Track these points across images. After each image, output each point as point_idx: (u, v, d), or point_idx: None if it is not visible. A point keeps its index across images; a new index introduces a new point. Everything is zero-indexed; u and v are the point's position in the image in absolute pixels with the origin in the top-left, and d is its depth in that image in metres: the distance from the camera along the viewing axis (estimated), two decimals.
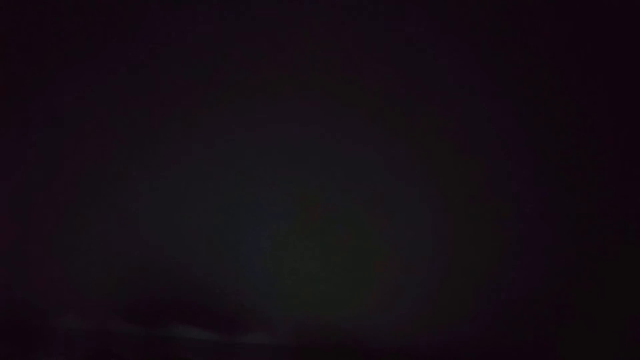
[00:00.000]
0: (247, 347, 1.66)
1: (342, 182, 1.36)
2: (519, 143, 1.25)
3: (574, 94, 1.17)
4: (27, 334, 1.69)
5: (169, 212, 1.46)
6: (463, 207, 1.36)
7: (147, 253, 1.55)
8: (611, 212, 1.33)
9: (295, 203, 1.41)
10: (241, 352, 1.66)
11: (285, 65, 1.20)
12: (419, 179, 1.32)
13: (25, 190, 1.46)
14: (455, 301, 1.54)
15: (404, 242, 1.44)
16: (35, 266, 1.62)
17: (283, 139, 1.30)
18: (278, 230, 1.47)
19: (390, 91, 1.21)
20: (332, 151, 1.31)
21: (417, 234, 1.42)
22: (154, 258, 1.56)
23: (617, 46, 1.10)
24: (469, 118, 1.22)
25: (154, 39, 1.20)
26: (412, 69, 1.18)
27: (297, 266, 1.53)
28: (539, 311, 1.53)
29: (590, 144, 1.23)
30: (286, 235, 1.47)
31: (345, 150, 1.30)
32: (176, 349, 1.67)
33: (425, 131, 1.25)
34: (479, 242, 1.42)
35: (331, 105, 1.24)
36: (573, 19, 1.09)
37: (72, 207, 1.49)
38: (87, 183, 1.43)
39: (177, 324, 1.68)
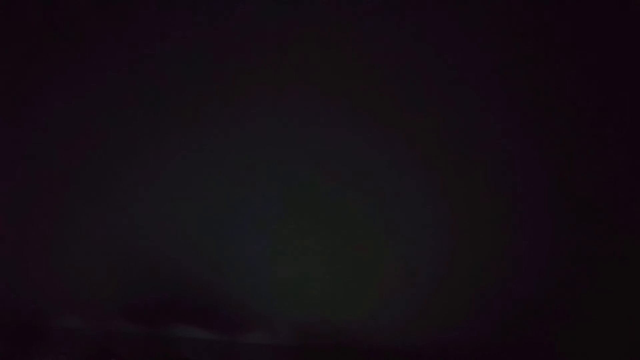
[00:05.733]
0: (247, 347, 1.66)
1: (342, 182, 1.36)
2: (520, 143, 1.25)
3: (576, 94, 1.17)
4: (27, 334, 1.69)
5: (169, 212, 1.46)
6: (464, 207, 1.36)
7: (147, 253, 1.55)
8: (612, 212, 1.33)
9: (295, 203, 1.41)
10: (241, 352, 1.66)
11: (285, 64, 1.20)
12: (420, 179, 1.32)
13: (25, 190, 1.46)
14: (455, 301, 1.54)
15: (404, 242, 1.44)
16: (35, 266, 1.62)
17: (283, 139, 1.30)
18: (278, 231, 1.47)
19: (391, 91, 1.21)
20: (333, 151, 1.31)
21: (418, 234, 1.42)
22: (154, 258, 1.56)
23: (618, 46, 1.11)
24: (470, 118, 1.22)
25: (151, 38, 1.20)
26: (414, 69, 1.18)
27: (297, 266, 1.53)
28: (539, 311, 1.53)
29: (591, 144, 1.23)
30: (286, 236, 1.48)
31: (345, 150, 1.30)
32: (176, 349, 1.67)
33: (427, 131, 1.25)
34: (479, 242, 1.42)
35: (331, 104, 1.24)
36: (574, 19, 1.09)
37: (72, 207, 1.49)
38: (86, 183, 1.43)
39: (177, 324, 1.68)
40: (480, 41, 1.12)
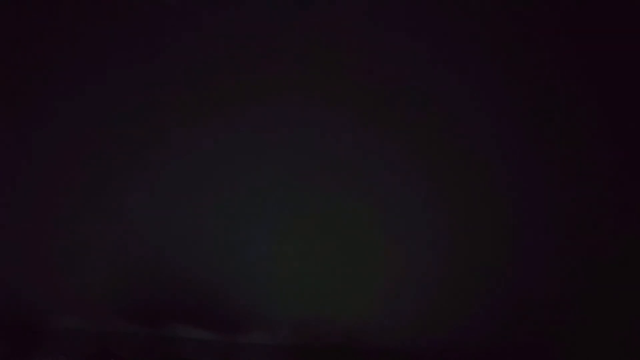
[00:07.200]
0: (247, 347, 1.66)
1: (342, 182, 1.36)
2: (519, 143, 1.25)
3: (576, 94, 1.17)
4: (27, 334, 1.69)
5: (169, 212, 1.46)
6: (463, 208, 1.36)
7: (148, 254, 1.55)
8: (611, 213, 1.33)
9: (295, 204, 1.41)
10: (241, 352, 1.66)
11: (284, 66, 1.20)
12: (420, 179, 1.32)
13: (26, 191, 1.46)
14: (455, 301, 1.53)
15: (405, 242, 1.44)
16: (35, 266, 1.62)
17: (283, 140, 1.30)
18: (278, 231, 1.47)
19: (391, 92, 1.20)
20: (333, 152, 1.31)
21: (418, 235, 1.42)
22: (154, 259, 1.56)
23: (618, 46, 1.10)
24: (470, 119, 1.22)
25: (153, 41, 1.20)
26: (413, 70, 1.18)
27: (297, 266, 1.53)
28: (539, 311, 1.53)
29: (591, 145, 1.23)
30: (286, 236, 1.47)
31: (345, 151, 1.30)
32: (176, 349, 1.67)
33: (427, 132, 1.25)
34: (479, 243, 1.41)
35: (331, 106, 1.24)
36: (574, 19, 1.09)
37: (72, 208, 1.49)
38: (87, 184, 1.43)
39: (177, 324, 1.67)
40: (481, 44, 1.11)
